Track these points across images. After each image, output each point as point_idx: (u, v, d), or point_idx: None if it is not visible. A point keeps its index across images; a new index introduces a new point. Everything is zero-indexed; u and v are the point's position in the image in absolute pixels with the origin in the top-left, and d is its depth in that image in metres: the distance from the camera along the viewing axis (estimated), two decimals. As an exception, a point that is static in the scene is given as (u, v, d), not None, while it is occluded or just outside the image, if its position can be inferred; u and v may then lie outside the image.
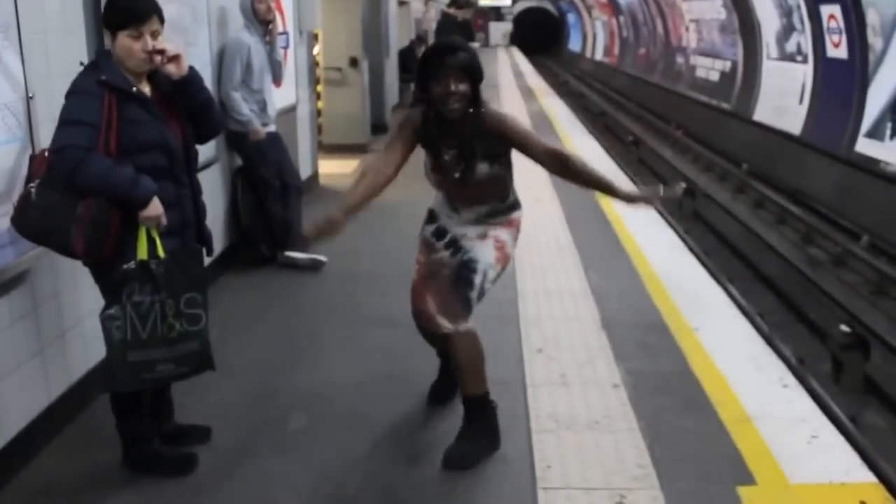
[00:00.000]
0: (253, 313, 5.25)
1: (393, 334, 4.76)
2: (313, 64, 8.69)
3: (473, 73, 3.37)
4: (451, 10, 10.03)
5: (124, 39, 3.09)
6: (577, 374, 4.27)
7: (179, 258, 3.17)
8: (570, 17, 43.30)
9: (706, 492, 3.28)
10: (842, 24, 11.15)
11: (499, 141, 3.44)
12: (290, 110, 7.52)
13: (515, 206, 3.71)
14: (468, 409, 3.55)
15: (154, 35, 3.12)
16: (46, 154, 3.01)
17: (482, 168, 3.47)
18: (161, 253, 3.09)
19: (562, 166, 3.45)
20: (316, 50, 10.23)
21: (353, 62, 10.59)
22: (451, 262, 3.58)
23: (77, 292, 3.76)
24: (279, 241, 5.99)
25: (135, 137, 3.06)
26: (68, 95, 3.02)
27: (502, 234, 3.61)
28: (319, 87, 10.42)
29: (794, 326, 7.96)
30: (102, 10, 3.22)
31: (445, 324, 3.46)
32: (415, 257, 3.72)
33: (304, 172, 8.00)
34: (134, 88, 3.10)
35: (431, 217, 3.71)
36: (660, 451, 3.53)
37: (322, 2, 10.01)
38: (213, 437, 3.68)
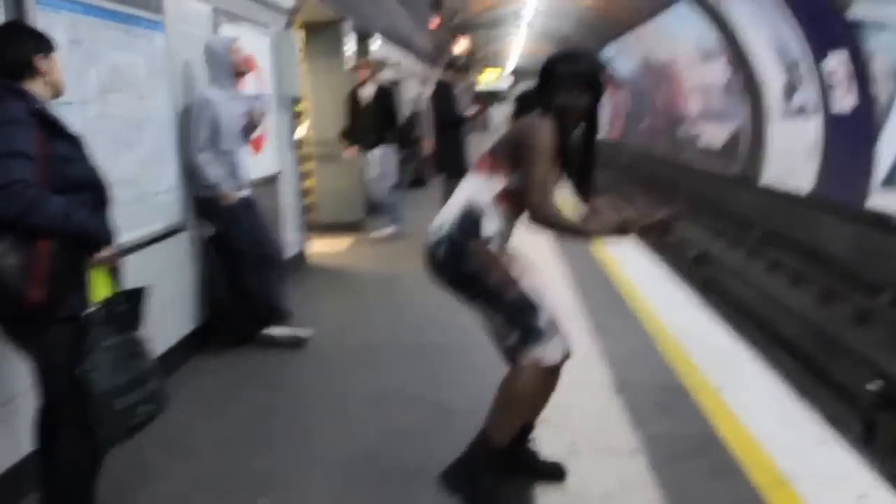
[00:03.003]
0: (225, 394, 4.76)
1: (382, 411, 4.35)
2: (294, 131, 8.29)
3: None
4: (446, 76, 9.43)
5: (57, 60, 2.97)
6: (589, 441, 3.79)
7: (130, 295, 2.97)
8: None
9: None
10: (846, 77, 10.92)
11: None
12: (272, 180, 7.12)
13: None
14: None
15: None
16: None
17: None
18: (113, 291, 2.90)
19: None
20: (304, 128, 9.94)
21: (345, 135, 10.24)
22: None
23: (4, 367, 3.32)
24: (258, 318, 5.50)
25: (67, 176, 2.78)
26: None
27: None
28: (310, 165, 10.10)
29: (818, 390, 7.45)
30: (21, 39, 2.90)
31: None
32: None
33: (290, 250, 7.59)
34: (63, 123, 2.87)
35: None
36: (687, 524, 3.03)
37: (308, 74, 9.74)
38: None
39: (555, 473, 3.47)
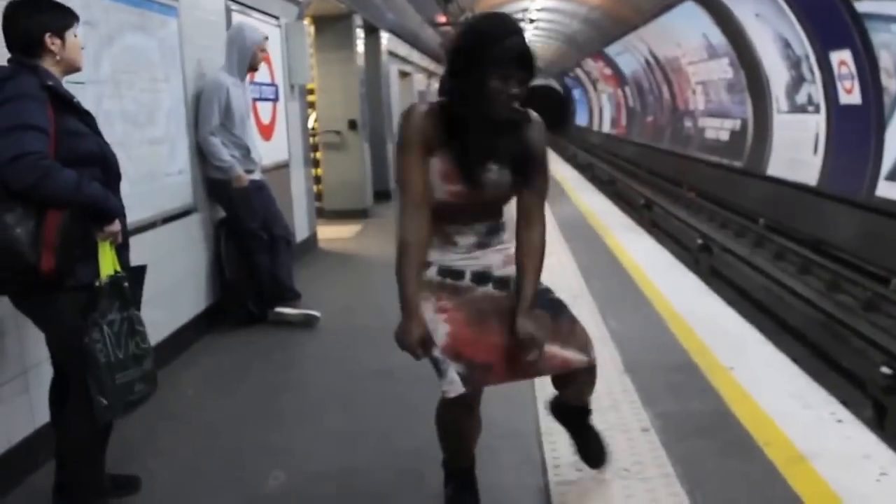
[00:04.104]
0: (237, 371, 4.78)
1: (392, 388, 4.35)
2: (306, 119, 8.31)
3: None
4: None
5: (72, 37, 2.96)
6: (600, 419, 3.72)
7: (133, 273, 3.03)
8: (576, 93, 43.62)
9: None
10: (853, 69, 10.89)
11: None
12: (283, 166, 7.14)
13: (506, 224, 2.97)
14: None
15: None
16: None
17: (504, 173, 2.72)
18: (118, 268, 2.93)
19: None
20: (313, 118, 9.96)
21: (353, 125, 10.32)
22: (505, 295, 2.81)
23: (21, 338, 3.32)
24: (268, 297, 5.52)
25: (75, 150, 2.82)
26: (8, 100, 2.71)
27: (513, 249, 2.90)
28: (318, 154, 10.13)
29: (827, 376, 7.45)
30: (36, 15, 2.90)
31: (580, 357, 2.81)
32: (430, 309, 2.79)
33: (301, 234, 7.62)
34: (75, 99, 2.92)
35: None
36: (703, 497, 3.02)
37: (317, 63, 9.75)
38: (180, 500, 3.22)
39: (597, 457, 3.24)
